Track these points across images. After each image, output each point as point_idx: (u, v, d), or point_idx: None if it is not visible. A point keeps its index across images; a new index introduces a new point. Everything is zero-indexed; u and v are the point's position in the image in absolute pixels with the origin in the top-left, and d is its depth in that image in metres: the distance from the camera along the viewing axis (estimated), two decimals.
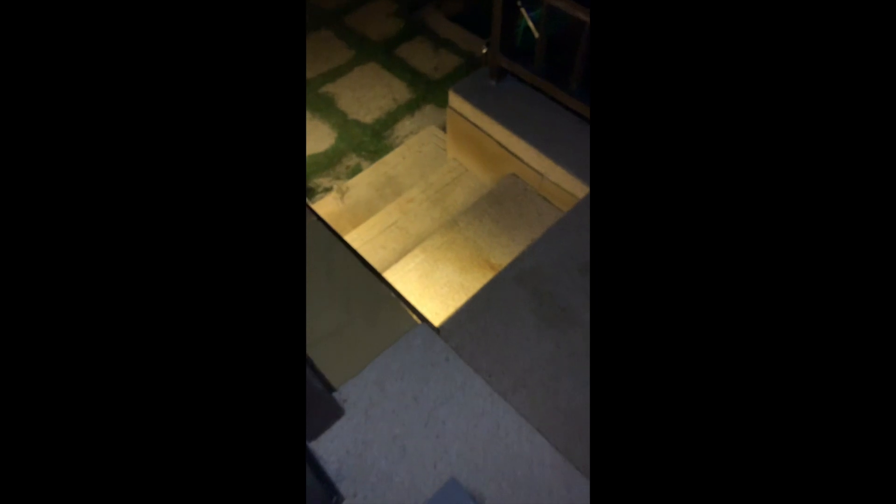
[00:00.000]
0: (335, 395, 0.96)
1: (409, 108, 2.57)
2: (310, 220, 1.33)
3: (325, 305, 1.18)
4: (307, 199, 2.20)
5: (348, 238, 1.75)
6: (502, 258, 1.53)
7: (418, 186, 1.90)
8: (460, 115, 1.77)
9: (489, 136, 1.70)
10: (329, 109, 2.53)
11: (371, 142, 2.42)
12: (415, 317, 1.17)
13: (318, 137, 2.42)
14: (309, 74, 2.69)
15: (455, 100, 1.75)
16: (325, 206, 2.05)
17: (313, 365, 1.10)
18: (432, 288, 1.46)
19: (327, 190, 2.25)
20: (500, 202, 1.66)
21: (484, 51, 1.68)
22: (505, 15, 1.59)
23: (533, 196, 1.65)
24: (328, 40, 2.87)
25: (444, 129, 2.37)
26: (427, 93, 2.63)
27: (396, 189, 2.09)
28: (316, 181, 2.28)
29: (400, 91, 2.64)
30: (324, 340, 1.14)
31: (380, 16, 3.03)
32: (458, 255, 1.54)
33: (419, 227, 1.78)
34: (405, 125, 2.50)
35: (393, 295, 1.20)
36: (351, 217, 2.01)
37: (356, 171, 2.29)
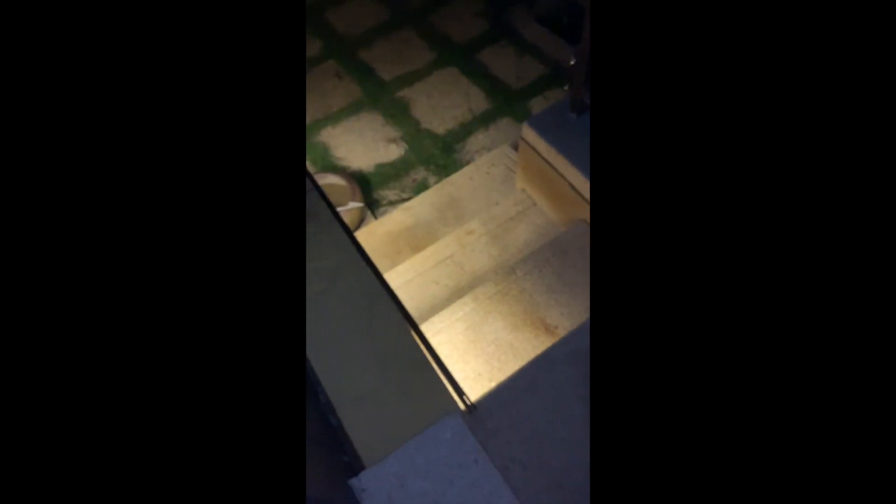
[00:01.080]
0: (353, 482, 0.92)
1: (485, 120, 2.43)
2: (359, 265, 1.29)
3: (361, 363, 1.14)
4: (371, 213, 2.18)
5: (402, 268, 1.70)
6: (559, 319, 1.39)
7: (480, 217, 1.79)
8: (533, 149, 1.62)
9: (562, 176, 1.55)
10: (403, 116, 2.47)
11: (441, 155, 2.33)
12: (452, 391, 1.09)
13: (389, 146, 2.37)
14: (387, 76, 2.63)
15: (529, 133, 1.60)
16: (386, 224, 2.01)
17: (343, 428, 1.06)
18: (479, 344, 1.37)
19: (392, 203, 2.21)
20: (566, 252, 1.51)
21: (571, 62, 1.50)
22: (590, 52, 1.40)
23: None
24: (410, 41, 2.79)
25: (516, 148, 2.22)
26: (505, 105, 2.47)
27: (459, 212, 2.00)
28: (382, 193, 2.25)
29: (477, 101, 2.51)
30: (356, 402, 1.10)
31: (466, 15, 2.88)
32: (511, 310, 1.43)
33: (475, 263, 1.68)
34: (478, 139, 2.37)
35: (433, 364, 1.13)
36: (410, 238, 1.95)
37: (423, 186, 2.22)
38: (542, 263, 1.51)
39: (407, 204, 2.07)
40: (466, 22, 2.84)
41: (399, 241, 1.95)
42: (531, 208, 1.78)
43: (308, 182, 1.41)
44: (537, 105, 2.47)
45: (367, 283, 1.27)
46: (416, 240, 1.94)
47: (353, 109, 2.51)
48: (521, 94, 2.52)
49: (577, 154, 1.49)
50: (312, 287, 1.25)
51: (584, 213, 1.53)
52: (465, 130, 2.41)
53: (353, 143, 2.39)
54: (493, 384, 1.29)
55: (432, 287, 1.63)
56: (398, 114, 2.48)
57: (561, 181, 1.56)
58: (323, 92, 2.58)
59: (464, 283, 1.63)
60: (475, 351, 1.36)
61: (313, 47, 2.79)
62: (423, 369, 1.14)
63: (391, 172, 2.29)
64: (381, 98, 2.55)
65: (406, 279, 1.65)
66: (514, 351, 1.35)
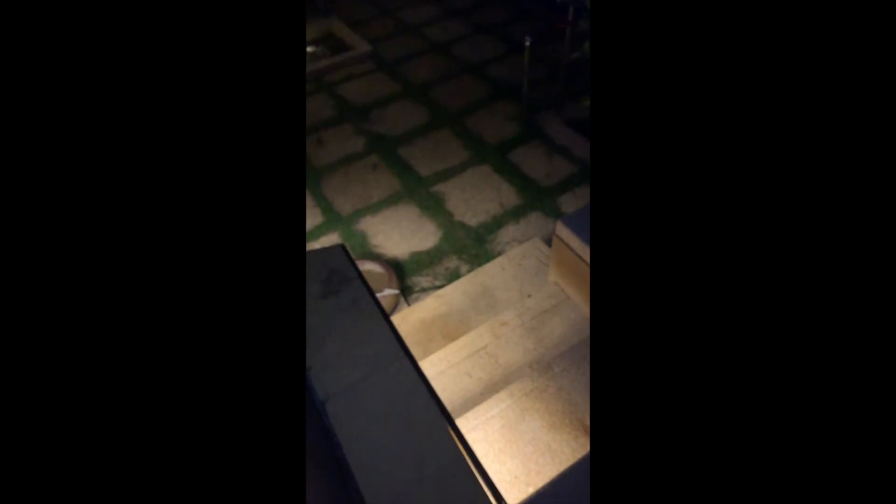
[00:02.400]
0: None
1: (516, 214, 2.54)
2: (398, 355, 1.30)
3: (398, 458, 1.11)
4: (405, 299, 2.22)
5: (435, 358, 1.70)
6: None
7: (514, 308, 1.81)
8: (567, 246, 1.67)
9: None
10: (437, 209, 2.60)
11: (473, 245, 2.41)
12: (490, 495, 1.04)
13: (424, 236, 2.48)
14: (424, 172, 2.82)
15: (563, 231, 1.67)
16: (419, 311, 2.04)
17: None
18: (515, 444, 1.32)
19: (424, 290, 2.26)
20: None
21: None
22: None
23: None
24: (446, 140, 3.02)
25: (548, 242, 2.29)
26: (535, 200, 2.60)
27: (491, 302, 2.02)
28: (415, 279, 2.31)
29: (508, 196, 2.64)
30: (397, 500, 1.05)
31: (499, 118, 3.14)
32: (549, 408, 1.39)
33: (510, 356, 1.67)
34: (509, 231, 2.47)
35: (469, 463, 1.09)
36: (442, 326, 1.97)
37: (455, 274, 2.28)
38: (580, 360, 1.49)
39: (440, 291, 2.11)
40: (499, 124, 3.09)
41: (432, 328, 1.96)
42: (565, 302, 1.79)
43: (351, 268, 1.47)
44: (566, 201, 2.58)
45: (406, 374, 1.27)
46: (448, 328, 1.95)
47: (391, 201, 2.67)
48: (551, 190, 2.65)
49: None
50: (352, 375, 1.26)
51: None
52: (496, 223, 2.51)
53: (390, 232, 2.51)
54: (530, 489, 1.22)
55: (465, 380, 1.61)
56: (433, 206, 2.62)
57: None
58: (365, 184, 2.77)
59: (497, 377, 1.61)
60: (511, 451, 1.31)
61: (357, 144, 3.05)
62: (460, 468, 1.09)
63: (425, 260, 2.37)
64: (418, 191, 2.71)
65: (439, 370, 1.64)
66: (552, 453, 1.29)
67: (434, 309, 2.02)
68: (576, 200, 2.57)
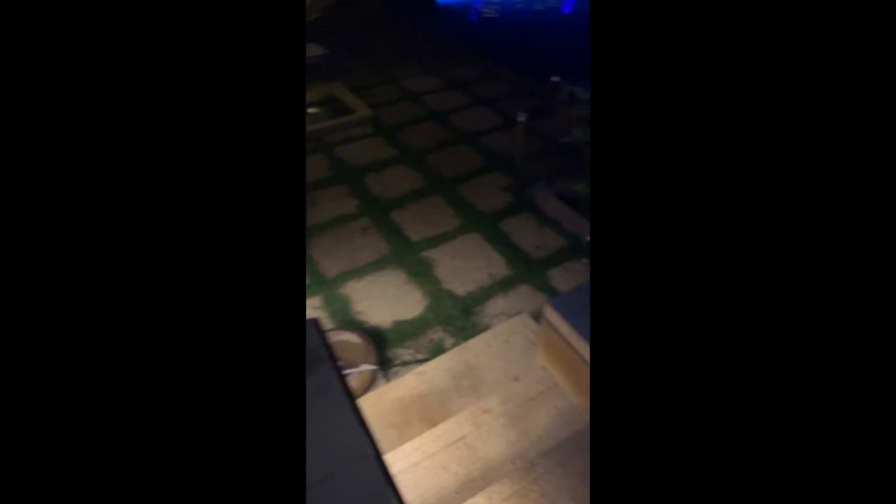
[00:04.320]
0: None
1: (504, 286, 2.46)
2: (365, 462, 1.16)
3: None
4: (383, 374, 2.08)
5: (410, 447, 1.54)
6: None
7: (498, 393, 1.68)
8: (556, 330, 1.58)
9: (586, 363, 1.47)
10: (425, 275, 2.52)
11: (460, 316, 2.30)
12: None
13: (409, 304, 2.37)
14: (415, 237, 2.76)
15: (552, 314, 1.57)
16: (398, 388, 1.89)
17: None
18: None
19: (405, 364, 2.12)
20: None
21: (589, 238, 1.53)
22: None
23: None
24: (438, 207, 2.99)
25: (537, 318, 2.19)
26: (525, 272, 2.52)
27: (475, 383, 1.89)
28: (396, 351, 2.17)
29: (498, 266, 2.57)
30: None
31: (492, 188, 3.14)
32: None
33: (490, 448, 1.51)
34: (497, 303, 2.37)
35: None
36: (421, 407, 1.82)
37: (439, 348, 2.16)
38: (565, 460, 1.34)
39: (421, 368, 1.98)
40: (492, 194, 3.08)
41: (409, 410, 1.81)
42: (553, 389, 1.66)
43: (323, 347, 1.35)
44: (556, 275, 2.51)
45: (370, 475, 1.12)
46: (427, 410, 1.80)
47: (379, 265, 2.59)
48: (541, 263, 2.58)
49: None
50: (312, 474, 1.11)
51: None
52: (484, 294, 2.42)
53: (374, 298, 2.40)
54: None
55: (440, 474, 1.45)
56: (421, 272, 2.54)
57: (584, 367, 1.48)
58: (353, 246, 2.70)
59: (476, 473, 1.45)
60: None
61: (350, 205, 3.01)
62: None
63: (409, 330, 2.25)
64: (407, 256, 2.64)
65: (413, 461, 1.48)
66: None
67: (414, 388, 1.88)
68: (566, 275, 2.50)
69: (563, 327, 1.53)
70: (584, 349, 1.46)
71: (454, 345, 2.15)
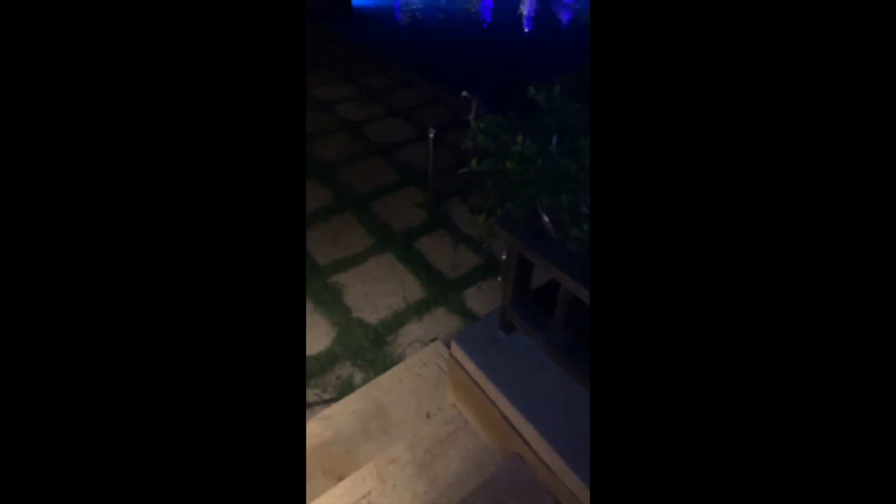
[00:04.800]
0: None
1: (419, 310, 2.34)
2: None
3: None
4: None
5: None
6: None
7: (406, 440, 1.55)
8: (463, 369, 1.48)
9: (493, 403, 1.39)
10: (334, 303, 2.34)
11: (370, 348, 2.15)
12: None
13: (315, 337, 2.18)
14: (323, 261, 2.56)
15: (458, 351, 1.48)
16: None
17: None
18: None
19: (310, 406, 1.92)
20: (499, 499, 1.27)
21: (504, 257, 1.45)
22: (519, 267, 1.38)
23: (543, 498, 1.26)
24: (350, 225, 2.82)
25: (449, 345, 2.10)
26: (440, 295, 2.43)
27: (385, 424, 1.75)
28: None
29: (412, 289, 2.45)
30: None
31: (406, 204, 3.01)
32: None
33: None
34: (411, 330, 2.25)
35: None
36: (324, 458, 1.64)
37: (347, 386, 1.99)
38: None
39: (326, 412, 1.80)
40: (407, 211, 2.95)
41: (312, 461, 1.63)
42: (463, 428, 1.57)
43: None
44: (472, 296, 2.44)
45: None
46: (331, 460, 1.63)
47: None
48: (457, 284, 2.50)
49: (507, 379, 1.36)
50: None
51: (517, 444, 1.34)
52: (397, 320, 2.29)
53: None
54: None
55: None
56: (329, 300, 2.35)
57: (492, 408, 1.39)
58: None
59: None
60: None
61: None
62: None
63: (314, 368, 2.06)
64: (314, 283, 2.43)
65: None
66: None
67: (316, 435, 1.70)
68: (480, 295, 2.44)
69: (470, 366, 1.44)
70: (491, 389, 1.38)
71: (364, 380, 1.99)
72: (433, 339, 2.18)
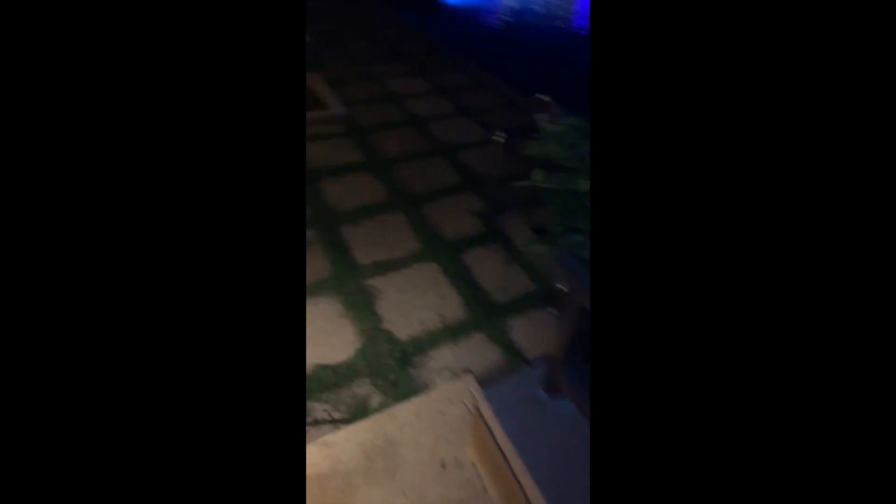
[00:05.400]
0: None
1: (455, 332, 2.07)
2: None
3: None
4: None
5: None
6: None
7: (410, 496, 1.28)
8: (489, 430, 1.18)
9: (518, 481, 1.08)
10: (365, 309, 2.12)
11: (395, 368, 1.91)
12: None
13: (338, 344, 1.97)
14: (363, 260, 2.36)
15: (485, 408, 1.18)
16: None
17: None
18: None
19: (317, 424, 1.71)
20: None
21: (563, 289, 1.14)
22: (581, 321, 1.06)
23: None
24: (398, 226, 2.59)
25: (484, 384, 1.80)
26: (482, 318, 2.13)
27: (391, 466, 1.49)
28: (310, 404, 1.77)
29: (452, 307, 2.18)
30: None
31: (461, 210, 2.75)
32: None
33: None
34: (443, 355, 1.97)
35: None
36: (317, 492, 1.41)
37: (361, 408, 1.76)
38: None
39: (330, 437, 1.57)
40: (460, 218, 2.69)
41: (308, 497, 1.40)
42: (479, 496, 1.27)
43: None
44: (519, 326, 2.12)
45: None
46: (324, 498, 1.40)
47: (313, 290, 2.18)
48: (503, 309, 2.19)
49: (541, 458, 1.05)
50: None
51: None
52: (430, 340, 2.03)
53: None
54: None
55: None
56: (361, 304, 2.14)
57: (517, 489, 1.08)
58: None
59: None
60: None
61: None
62: None
63: (330, 379, 1.85)
64: (348, 282, 2.23)
65: None
66: None
67: (314, 465, 1.47)
68: (529, 327, 2.12)
69: (497, 430, 1.14)
70: (519, 467, 1.07)
71: (381, 405, 1.75)
72: (466, 371, 1.90)
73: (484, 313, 2.16)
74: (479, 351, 2.00)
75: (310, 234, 2.48)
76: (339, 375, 1.86)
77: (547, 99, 2.25)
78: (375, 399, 1.79)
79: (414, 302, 2.18)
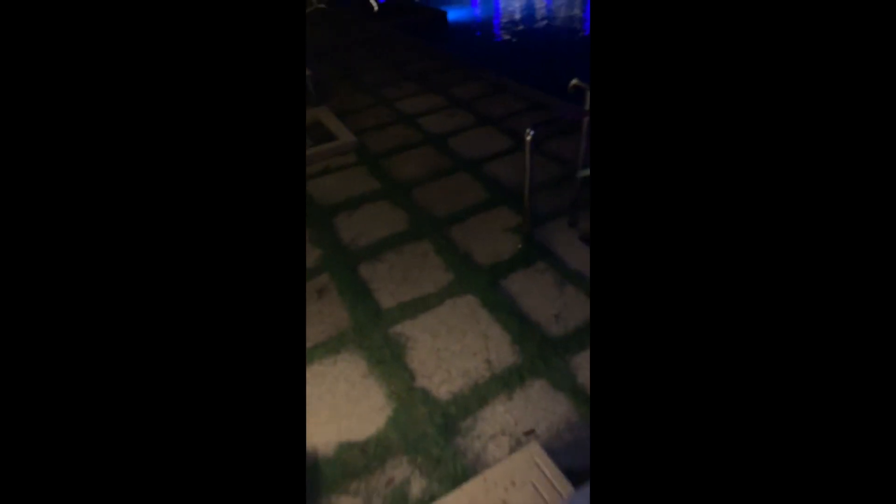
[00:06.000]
0: None
1: (508, 381, 1.64)
2: None
3: None
4: None
5: None
6: None
7: None
8: None
9: None
10: (394, 364, 1.73)
11: (437, 439, 1.49)
12: None
13: (365, 413, 1.58)
14: (387, 302, 1.99)
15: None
16: None
17: None
18: None
19: None
20: None
21: None
22: None
23: None
24: (424, 257, 2.22)
25: (554, 452, 1.35)
26: (539, 359, 1.70)
27: None
28: (335, 499, 1.38)
29: (499, 349, 1.75)
30: None
31: (495, 229, 2.34)
32: None
33: None
34: (496, 413, 1.55)
35: None
36: None
37: (399, 498, 1.35)
38: None
39: None
40: (495, 238, 2.28)
41: None
42: None
43: None
44: (585, 363, 1.67)
45: None
46: None
47: (332, 346, 1.82)
48: (563, 343, 1.75)
49: None
50: None
51: None
52: (477, 396, 1.60)
53: (317, 403, 1.63)
54: None
55: None
56: (389, 359, 1.75)
57: None
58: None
59: None
60: None
61: (309, 257, 2.28)
62: None
63: (358, 462, 1.45)
64: (372, 333, 1.86)
65: None
66: None
67: None
68: None
69: None
70: None
71: (425, 492, 1.34)
72: (528, 433, 1.46)
73: (539, 352, 1.72)
74: (540, 403, 1.56)
75: (325, 279, 2.14)
76: (369, 455, 1.46)
77: (579, 83, 1.85)
78: (416, 486, 1.38)
79: (452, 348, 1.77)
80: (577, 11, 7.85)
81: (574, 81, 1.90)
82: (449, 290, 2.02)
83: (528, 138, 1.84)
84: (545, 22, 7.35)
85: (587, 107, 1.88)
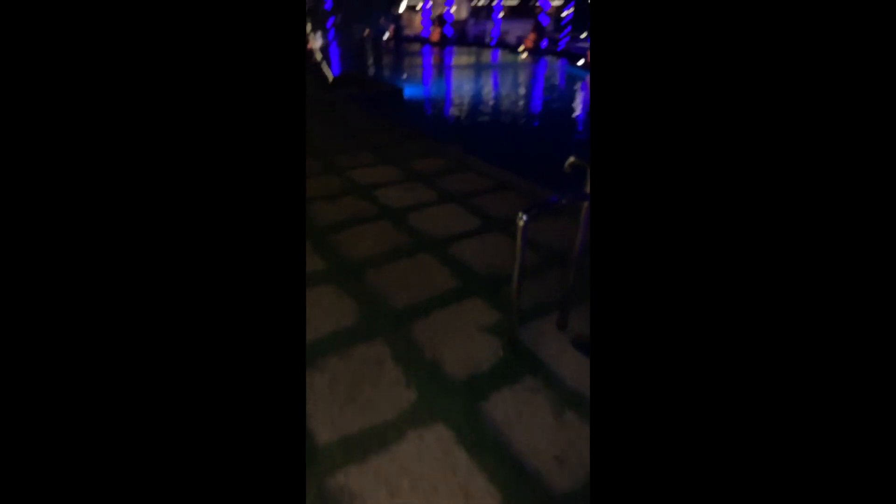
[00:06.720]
0: None
1: None
2: None
3: None
4: None
5: None
6: None
7: None
8: None
9: None
10: None
11: None
12: None
13: None
14: (325, 436, 1.41)
15: None
16: None
17: None
18: None
19: None
20: None
21: None
22: None
23: None
24: (378, 366, 1.68)
25: None
26: None
27: None
28: None
29: None
30: None
31: (466, 327, 1.88)
32: None
33: None
34: None
35: None
36: None
37: None
38: None
39: None
40: (468, 341, 1.81)
41: None
42: None
43: None
44: None
45: None
46: None
47: None
48: (571, 499, 1.25)
49: None
50: None
51: None
52: None
53: None
54: None
55: None
56: None
57: None
58: None
59: None
60: None
61: None
62: None
63: None
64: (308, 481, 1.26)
65: None
66: None
67: None
68: None
69: None
70: None
71: None
72: None
73: None
74: None
75: None
76: None
77: (584, 163, 1.54)
78: None
79: None
80: (522, 90, 8.21)
81: (571, 159, 1.59)
82: (412, 416, 1.49)
83: (521, 223, 1.46)
84: (497, 100, 7.55)
85: (587, 189, 1.55)
